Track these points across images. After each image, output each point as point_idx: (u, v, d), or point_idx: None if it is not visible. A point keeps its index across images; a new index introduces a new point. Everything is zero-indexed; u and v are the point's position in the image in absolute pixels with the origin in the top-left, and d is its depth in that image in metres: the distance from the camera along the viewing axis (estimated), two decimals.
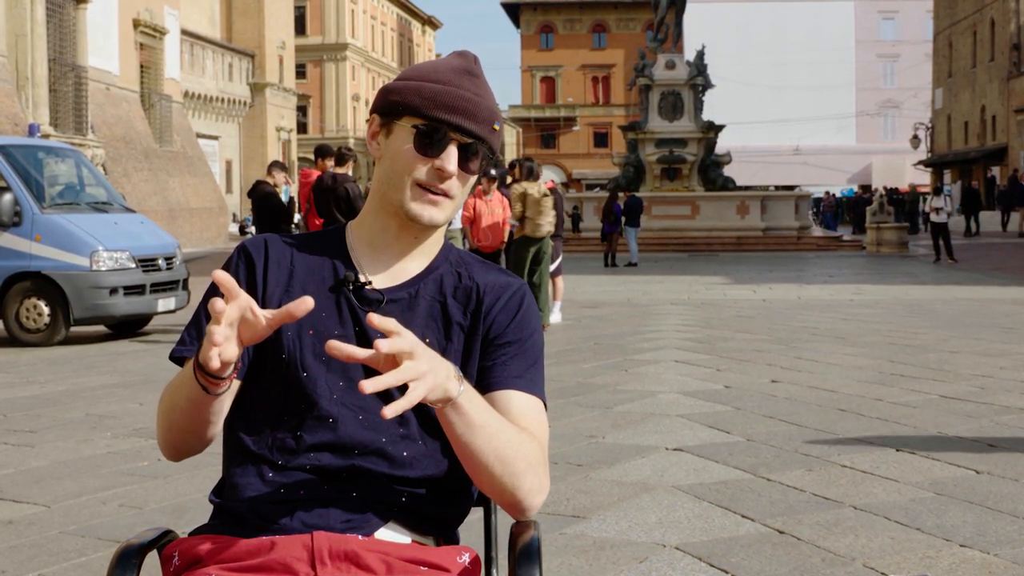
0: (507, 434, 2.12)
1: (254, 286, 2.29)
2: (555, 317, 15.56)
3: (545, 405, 2.32)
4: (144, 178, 44.81)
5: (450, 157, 2.22)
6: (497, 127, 2.27)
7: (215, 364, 1.94)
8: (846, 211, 64.56)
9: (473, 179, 2.30)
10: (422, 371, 1.88)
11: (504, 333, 2.30)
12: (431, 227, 2.29)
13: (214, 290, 2.30)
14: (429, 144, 2.22)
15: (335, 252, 2.34)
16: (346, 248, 2.34)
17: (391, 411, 1.83)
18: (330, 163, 13.67)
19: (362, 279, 2.29)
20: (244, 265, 2.32)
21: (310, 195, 14.03)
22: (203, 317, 2.28)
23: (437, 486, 2.25)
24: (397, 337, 1.86)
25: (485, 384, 2.26)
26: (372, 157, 2.34)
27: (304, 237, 2.40)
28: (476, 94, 2.24)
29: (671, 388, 9.93)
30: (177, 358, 2.30)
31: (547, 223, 14.79)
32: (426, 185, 2.23)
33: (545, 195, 14.70)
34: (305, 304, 1.92)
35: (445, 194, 2.24)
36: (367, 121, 2.38)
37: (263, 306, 2.26)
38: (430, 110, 2.21)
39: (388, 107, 2.28)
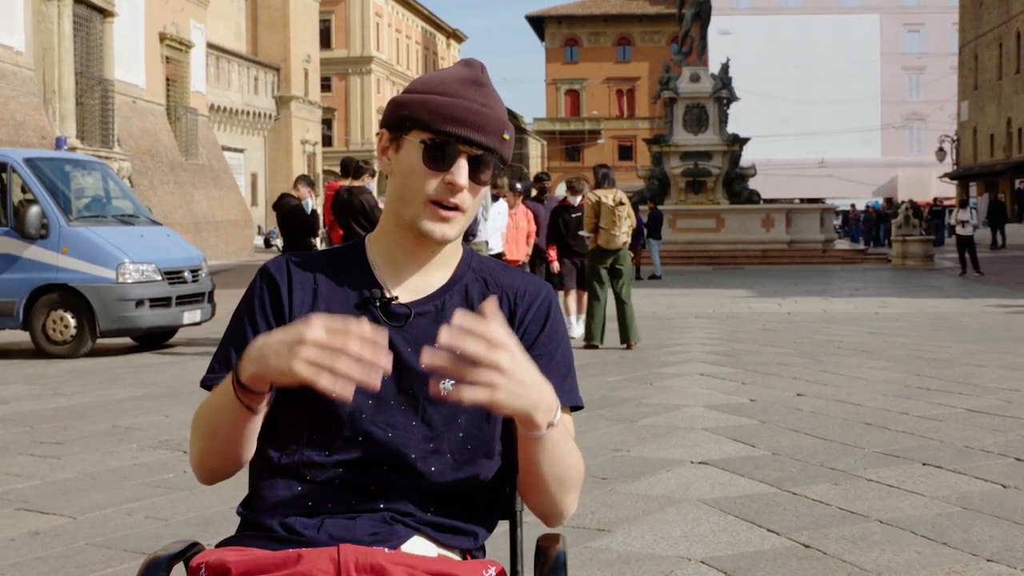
0: (572, 457, 2.16)
1: (280, 308, 2.29)
2: (578, 330, 15.25)
3: (583, 405, 2.35)
4: (170, 191, 45.04)
5: (460, 171, 2.20)
6: (507, 136, 2.25)
7: (349, 394, 1.90)
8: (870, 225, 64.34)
9: (485, 190, 2.29)
10: (505, 380, 1.89)
11: (536, 345, 2.30)
12: (444, 243, 2.29)
13: (241, 314, 2.31)
14: (439, 158, 2.20)
15: (357, 268, 2.34)
16: (367, 263, 2.34)
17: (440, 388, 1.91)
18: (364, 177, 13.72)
19: (387, 295, 2.29)
20: (267, 288, 2.31)
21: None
22: (232, 342, 2.29)
23: (464, 500, 2.25)
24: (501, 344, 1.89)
25: None
26: (384, 171, 2.34)
27: (325, 254, 2.40)
28: (484, 105, 2.22)
29: (696, 401, 9.91)
30: (208, 386, 2.29)
31: (622, 233, 14.37)
32: (438, 200, 2.22)
33: (620, 203, 14.31)
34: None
35: (457, 208, 2.23)
36: (377, 135, 2.37)
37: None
38: (438, 124, 2.19)
39: (396, 121, 2.26)
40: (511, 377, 1.88)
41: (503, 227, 15.65)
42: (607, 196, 14.32)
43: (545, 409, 2.00)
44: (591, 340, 14.37)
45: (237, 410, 2.10)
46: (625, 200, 14.47)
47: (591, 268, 14.66)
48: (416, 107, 2.23)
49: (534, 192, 18.23)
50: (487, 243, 14.19)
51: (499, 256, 15.45)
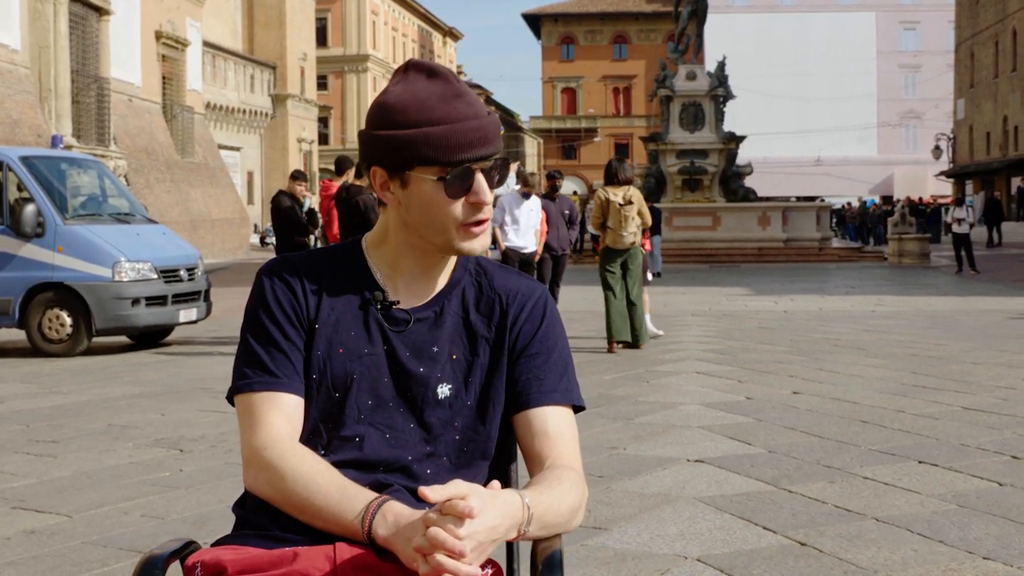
0: (564, 509, 2.18)
1: (297, 306, 2.30)
2: (651, 330, 14.65)
3: (584, 405, 2.37)
4: (166, 189, 44.95)
5: (482, 188, 2.22)
6: (502, 131, 2.28)
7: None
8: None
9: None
10: (481, 538, 1.94)
11: (532, 344, 2.32)
12: (483, 252, 2.32)
13: (259, 316, 2.29)
14: (460, 187, 2.20)
15: (357, 269, 2.35)
16: (367, 265, 2.35)
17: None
18: (351, 175, 13.69)
19: (389, 298, 2.31)
20: (282, 287, 2.31)
21: (330, 207, 14.07)
22: (261, 344, 2.28)
23: None
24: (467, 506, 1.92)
25: (521, 400, 2.30)
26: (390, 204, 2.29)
27: (323, 254, 2.40)
28: (477, 116, 2.21)
29: (692, 400, 9.91)
30: (236, 392, 2.28)
31: (630, 233, 13.73)
32: (470, 223, 2.23)
33: (629, 202, 13.70)
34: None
35: (486, 220, 2.26)
36: (369, 173, 2.29)
37: (307, 324, 2.28)
38: (449, 156, 2.17)
39: (393, 162, 2.22)
40: (474, 557, 1.94)
41: (537, 224, 15.62)
42: (616, 194, 13.74)
43: (505, 538, 2.04)
44: (618, 337, 13.72)
45: (349, 530, 2.09)
46: (635, 199, 13.84)
47: (601, 268, 14.11)
48: (414, 146, 2.18)
49: (544, 189, 18.21)
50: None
51: (532, 255, 15.47)
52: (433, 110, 2.19)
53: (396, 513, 2.03)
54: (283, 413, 2.22)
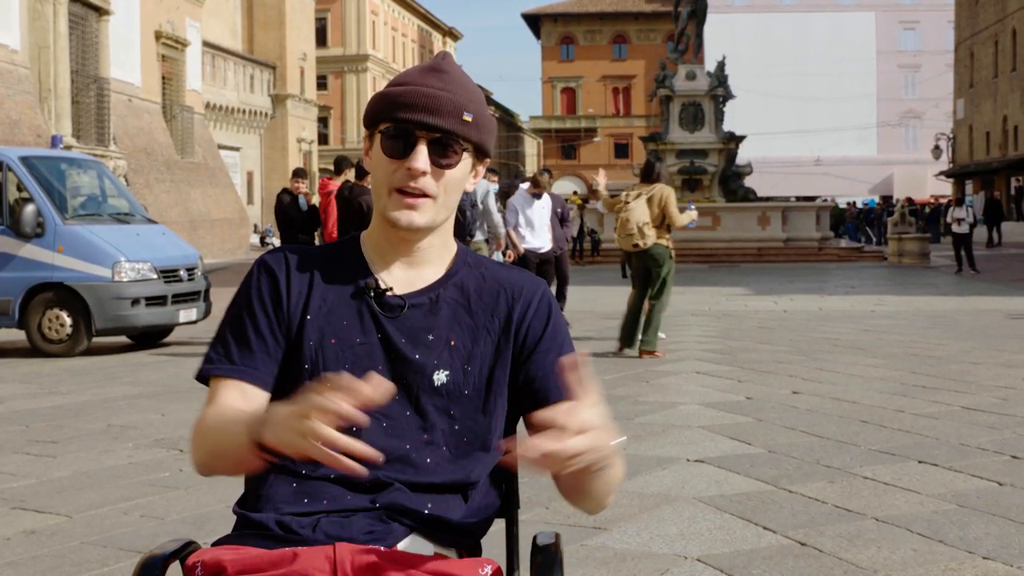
0: (613, 480, 2.18)
1: (278, 298, 2.31)
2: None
3: None
4: (166, 189, 44.96)
5: (418, 155, 2.22)
6: (468, 118, 2.25)
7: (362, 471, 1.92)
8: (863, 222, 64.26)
9: (455, 173, 2.28)
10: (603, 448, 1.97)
11: (543, 340, 2.33)
12: (411, 231, 2.28)
13: (239, 304, 2.32)
14: (396, 146, 2.23)
15: (352, 261, 2.36)
16: (363, 257, 2.37)
17: None
18: (349, 174, 13.71)
19: (382, 285, 2.30)
20: (266, 278, 2.33)
21: (328, 205, 14.08)
22: (231, 332, 2.31)
23: (461, 494, 2.26)
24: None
25: (540, 396, 2.28)
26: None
27: (322, 248, 2.43)
28: (440, 89, 2.24)
29: (692, 399, 9.91)
30: (206, 377, 2.31)
31: (627, 236, 13.00)
32: (400, 187, 2.24)
33: (635, 199, 13.05)
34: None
35: (422, 194, 2.25)
36: (363, 138, 2.41)
37: (286, 316, 2.29)
38: (392, 112, 2.23)
39: (368, 119, 2.32)
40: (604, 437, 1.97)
41: (547, 223, 15.64)
42: (632, 192, 13.26)
43: (611, 452, 2.02)
44: (623, 343, 13.37)
45: (254, 458, 2.08)
46: (650, 194, 13.07)
47: (632, 273, 13.75)
48: (379, 101, 2.28)
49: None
50: (486, 242, 14.13)
51: (548, 254, 15.48)
52: (407, 76, 2.29)
53: (275, 409, 2.01)
54: (239, 400, 2.24)
